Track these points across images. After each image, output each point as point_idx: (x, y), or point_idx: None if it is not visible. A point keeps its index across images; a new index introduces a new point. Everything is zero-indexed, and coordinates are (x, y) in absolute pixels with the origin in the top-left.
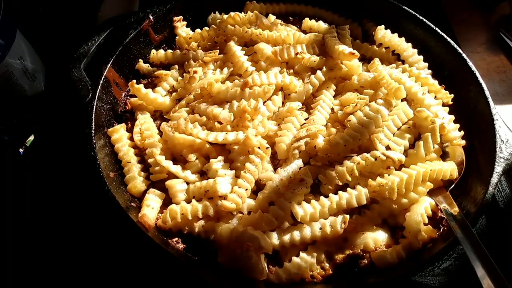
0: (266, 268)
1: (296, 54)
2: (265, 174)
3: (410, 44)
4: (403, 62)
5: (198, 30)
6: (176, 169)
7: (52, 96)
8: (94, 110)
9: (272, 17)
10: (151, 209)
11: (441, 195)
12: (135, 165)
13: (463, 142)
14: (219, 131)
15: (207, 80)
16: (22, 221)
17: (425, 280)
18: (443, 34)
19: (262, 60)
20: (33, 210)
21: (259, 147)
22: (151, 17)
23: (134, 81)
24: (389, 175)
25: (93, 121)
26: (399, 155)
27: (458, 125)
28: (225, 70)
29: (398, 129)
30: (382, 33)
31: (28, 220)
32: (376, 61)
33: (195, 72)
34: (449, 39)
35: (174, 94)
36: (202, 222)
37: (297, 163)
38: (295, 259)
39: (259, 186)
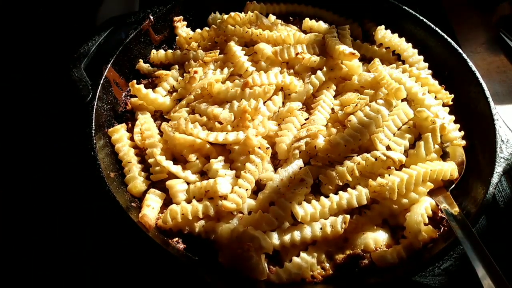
0: (267, 268)
1: (297, 54)
2: (266, 174)
3: (410, 44)
4: (404, 62)
5: (198, 30)
6: (176, 169)
7: (52, 96)
8: (94, 110)
9: (272, 17)
10: (151, 209)
11: (442, 195)
12: (136, 165)
13: (464, 142)
14: (220, 131)
15: (208, 80)
16: (23, 221)
17: (425, 280)
18: (443, 34)
19: (262, 60)
20: (33, 210)
21: (259, 147)
22: (151, 17)
23: (135, 81)
24: (389, 175)
25: (93, 121)
26: (399, 155)
27: (458, 125)
28: (225, 70)
29: (399, 129)
30: (382, 33)
31: (28, 220)
32: (377, 61)
33: (195, 72)
34: (449, 39)
35: (174, 94)
36: (202, 222)
37: (298, 163)
38: (295, 259)
39: (259, 186)
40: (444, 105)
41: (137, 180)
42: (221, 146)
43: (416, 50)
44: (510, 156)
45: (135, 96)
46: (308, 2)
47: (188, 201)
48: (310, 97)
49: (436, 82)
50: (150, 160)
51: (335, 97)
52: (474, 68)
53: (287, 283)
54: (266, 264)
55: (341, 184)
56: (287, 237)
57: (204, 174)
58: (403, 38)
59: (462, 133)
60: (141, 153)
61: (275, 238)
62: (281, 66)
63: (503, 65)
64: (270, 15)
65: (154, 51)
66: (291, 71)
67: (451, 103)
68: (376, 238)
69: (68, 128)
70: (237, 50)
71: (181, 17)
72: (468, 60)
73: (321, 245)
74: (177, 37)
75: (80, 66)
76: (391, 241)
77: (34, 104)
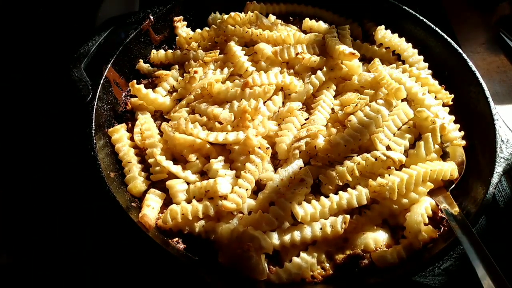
0: (267, 268)
1: (297, 54)
2: (266, 174)
3: (410, 44)
4: (404, 62)
5: (198, 30)
6: (176, 169)
7: (52, 96)
8: (94, 110)
9: (272, 17)
10: (151, 209)
11: (442, 195)
12: (136, 165)
13: (464, 142)
14: (220, 131)
15: (208, 80)
16: (23, 221)
17: (425, 280)
18: (443, 34)
19: (262, 60)
20: (33, 210)
21: (259, 147)
22: (151, 17)
23: (135, 81)
24: (389, 175)
25: (93, 121)
26: (399, 155)
27: (458, 125)
28: (225, 70)
29: (399, 129)
30: (382, 33)
31: (28, 220)
32: (377, 61)
33: (195, 72)
34: (449, 39)
35: (174, 94)
36: (202, 222)
37: (298, 163)
38: (295, 259)
39: (259, 186)
40: (444, 105)
41: (137, 180)
42: (221, 146)
43: (416, 50)
44: (510, 156)
45: (135, 96)
46: (308, 2)
47: (188, 201)
48: (310, 97)
49: (436, 82)
50: (150, 160)
51: (335, 97)
52: (474, 68)
53: (287, 283)
54: (266, 264)
55: (341, 184)
56: (287, 237)
57: (204, 174)
58: (403, 38)
59: (462, 133)
60: (141, 153)
61: (275, 238)
62: (281, 66)
63: (503, 65)
64: (270, 15)
65: (154, 51)
66: (291, 71)
67: (451, 103)
68: (376, 238)
69: (68, 128)
70: (237, 50)
71: (181, 17)
72: (468, 60)
73: (321, 245)
74: (177, 37)
75: (80, 66)
76: (391, 241)
77: (34, 104)
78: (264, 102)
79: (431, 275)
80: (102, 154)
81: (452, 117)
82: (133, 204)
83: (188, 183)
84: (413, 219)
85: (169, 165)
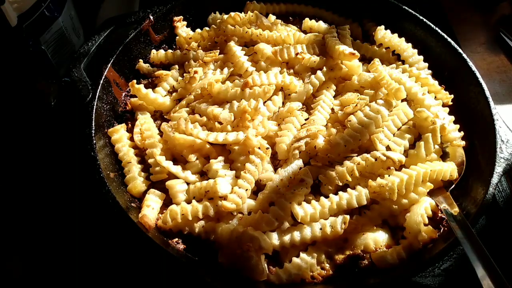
0: (266, 269)
1: (296, 54)
2: (265, 175)
3: (410, 44)
4: (403, 62)
5: (198, 30)
6: (176, 169)
7: (52, 96)
8: (94, 110)
9: (272, 17)
10: (151, 210)
11: (441, 196)
12: (135, 165)
13: (463, 142)
14: (220, 132)
15: (207, 80)
16: (22, 221)
17: (425, 280)
18: (443, 34)
19: (262, 60)
20: (33, 210)
21: (259, 148)
22: (151, 17)
23: (135, 81)
24: (389, 175)
25: (93, 121)
26: (399, 155)
27: (458, 126)
28: (225, 70)
29: (398, 129)
30: (382, 33)
31: (28, 221)
32: (376, 61)
33: (195, 72)
34: (449, 39)
35: (174, 94)
36: (202, 222)
37: (297, 164)
38: (295, 259)
39: (259, 186)
40: (444, 105)
41: (137, 180)
42: (221, 146)
43: (416, 50)
44: (510, 156)
45: (135, 96)
46: (308, 2)
47: (188, 202)
48: (310, 97)
49: (436, 82)
50: (150, 161)
51: (335, 97)
52: (474, 68)
53: (286, 283)
54: (265, 265)
55: (341, 184)
56: (286, 238)
57: (204, 174)
58: (403, 38)
59: (462, 133)
60: (141, 153)
61: (274, 239)
62: (281, 66)
63: (503, 65)
64: (270, 15)
65: (154, 51)
66: (291, 71)
67: (451, 103)
68: (376, 239)
69: (68, 128)
70: (237, 50)
71: (181, 17)
72: (468, 60)
73: (320, 246)
74: (177, 37)
75: (80, 66)
76: (391, 242)
77: (34, 104)
78: (264, 102)
79: (431, 275)
80: (102, 154)
81: (452, 117)
82: (133, 204)
83: (188, 184)
84: (413, 220)
85: (169, 165)
